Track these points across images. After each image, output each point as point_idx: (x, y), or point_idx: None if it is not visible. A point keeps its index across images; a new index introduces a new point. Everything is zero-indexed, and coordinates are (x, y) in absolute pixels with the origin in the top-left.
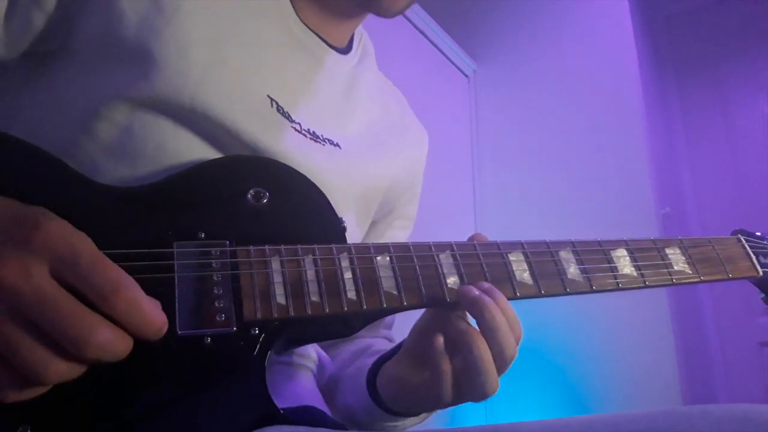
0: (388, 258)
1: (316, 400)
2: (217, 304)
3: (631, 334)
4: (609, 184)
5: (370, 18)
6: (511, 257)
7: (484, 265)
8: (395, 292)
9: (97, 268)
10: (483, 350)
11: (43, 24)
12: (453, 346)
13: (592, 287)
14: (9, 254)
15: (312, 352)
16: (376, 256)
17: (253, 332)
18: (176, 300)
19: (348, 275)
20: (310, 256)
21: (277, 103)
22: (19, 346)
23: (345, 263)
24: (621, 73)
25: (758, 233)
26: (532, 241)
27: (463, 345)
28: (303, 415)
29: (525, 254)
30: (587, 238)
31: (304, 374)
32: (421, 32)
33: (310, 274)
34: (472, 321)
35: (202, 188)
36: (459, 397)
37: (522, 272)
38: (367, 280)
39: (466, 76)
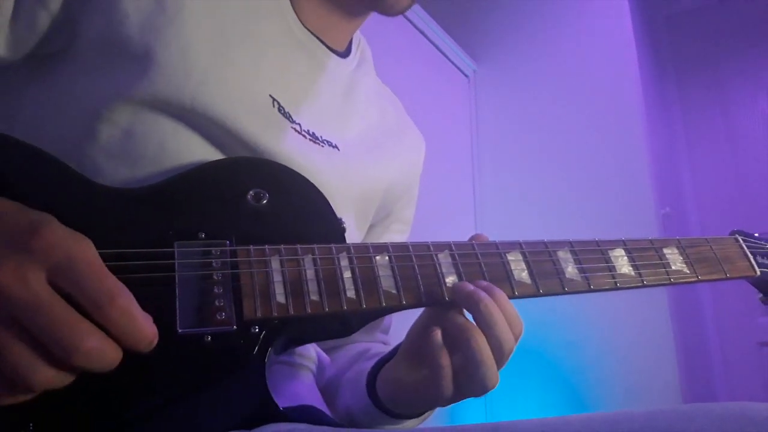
0: (387, 258)
1: (316, 400)
2: (217, 303)
3: (631, 333)
4: (609, 184)
5: (370, 18)
6: (510, 257)
7: (483, 265)
8: (394, 292)
9: (94, 277)
10: (481, 344)
11: (48, 25)
12: (452, 341)
13: (590, 287)
14: (7, 258)
15: (312, 351)
16: (375, 256)
17: (253, 331)
18: (177, 299)
19: (347, 274)
20: (310, 256)
21: (278, 103)
22: (9, 350)
23: (344, 263)
24: (621, 73)
25: (756, 234)
26: (530, 241)
27: (462, 340)
28: (303, 414)
29: (523, 254)
30: (587, 238)
31: (303, 374)
32: (421, 32)
33: (310, 273)
34: (470, 318)
35: (202, 189)
36: (459, 393)
37: (520, 272)
38: (366, 279)
39: (466, 76)
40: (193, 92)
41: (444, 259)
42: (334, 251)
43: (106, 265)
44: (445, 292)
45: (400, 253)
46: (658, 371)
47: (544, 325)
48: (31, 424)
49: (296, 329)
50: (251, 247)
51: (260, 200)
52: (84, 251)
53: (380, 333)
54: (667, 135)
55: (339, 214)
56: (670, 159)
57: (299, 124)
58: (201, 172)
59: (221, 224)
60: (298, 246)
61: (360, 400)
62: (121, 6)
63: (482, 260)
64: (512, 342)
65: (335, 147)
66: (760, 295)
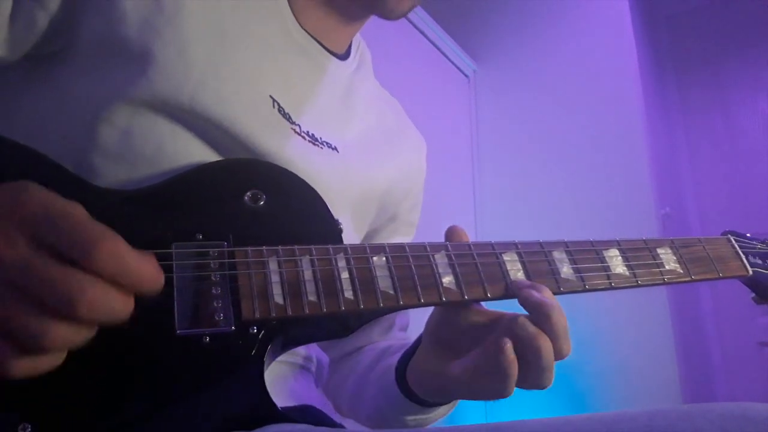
0: (384, 258)
1: (315, 400)
2: (215, 304)
3: (631, 333)
4: (609, 185)
5: (371, 18)
6: (505, 257)
7: (479, 265)
8: (391, 292)
9: (75, 227)
10: (550, 351)
11: (47, 24)
12: (518, 346)
13: (585, 286)
14: None
15: (311, 352)
16: (372, 257)
17: (251, 331)
18: (175, 300)
19: (345, 275)
20: (307, 257)
21: (279, 104)
22: (15, 314)
23: (342, 263)
24: (621, 73)
25: (748, 234)
26: (525, 241)
27: (532, 348)
28: (302, 414)
29: (519, 254)
30: (587, 238)
31: (302, 374)
32: (421, 32)
33: (308, 274)
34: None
35: (199, 191)
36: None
37: (516, 272)
38: (364, 280)
39: (466, 76)
40: (192, 92)
41: (440, 259)
42: (332, 252)
43: None
44: (443, 292)
45: (397, 253)
46: (658, 371)
47: None
48: (30, 425)
49: (294, 330)
50: (249, 248)
51: (257, 201)
52: (63, 205)
53: (399, 331)
54: (667, 135)
55: (336, 216)
56: (670, 159)
57: (299, 126)
58: (198, 173)
59: (219, 225)
60: (296, 247)
61: (389, 394)
62: (119, 6)
63: (478, 260)
64: (570, 347)
65: (334, 149)
66: (753, 294)
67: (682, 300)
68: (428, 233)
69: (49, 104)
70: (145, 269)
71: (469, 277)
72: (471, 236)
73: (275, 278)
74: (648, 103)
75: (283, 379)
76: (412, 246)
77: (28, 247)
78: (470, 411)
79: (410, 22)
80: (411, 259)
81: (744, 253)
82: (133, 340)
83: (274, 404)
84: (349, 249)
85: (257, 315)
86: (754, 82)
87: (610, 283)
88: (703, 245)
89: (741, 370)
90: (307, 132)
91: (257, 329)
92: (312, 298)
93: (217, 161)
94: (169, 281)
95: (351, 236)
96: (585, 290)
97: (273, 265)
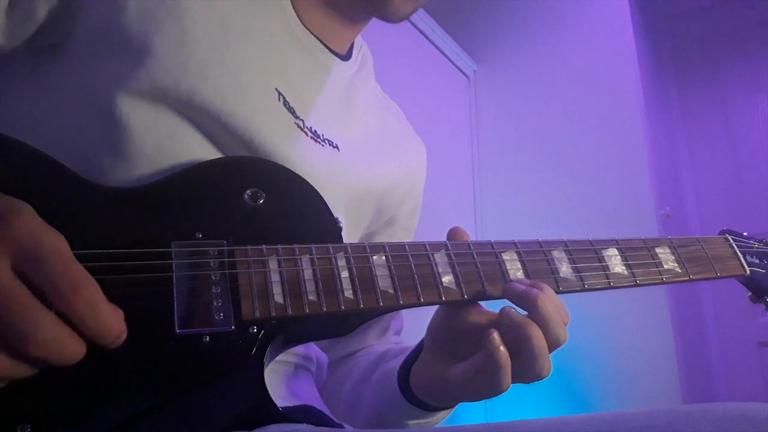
0: (384, 257)
1: (315, 400)
2: (215, 303)
3: (631, 333)
4: (609, 185)
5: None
6: (505, 256)
7: (478, 264)
8: (391, 291)
9: (59, 266)
10: (540, 338)
11: (45, 14)
12: (508, 337)
13: (584, 286)
14: None
15: (310, 352)
16: (372, 256)
17: (251, 331)
18: (175, 299)
19: (345, 274)
20: (307, 256)
21: (284, 97)
22: None
23: (342, 262)
24: (621, 73)
25: (745, 233)
26: (524, 240)
27: (521, 336)
28: (302, 414)
29: (518, 253)
30: (586, 238)
31: (302, 374)
32: (421, 32)
33: (308, 273)
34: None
35: (199, 189)
36: (513, 382)
37: (515, 271)
38: (364, 279)
39: (466, 76)
40: (191, 84)
41: (440, 258)
42: (332, 251)
43: (104, 266)
44: (442, 291)
45: (396, 252)
46: (658, 371)
47: None
48: (29, 425)
49: (294, 329)
50: (248, 247)
51: (257, 200)
52: (52, 242)
53: (393, 335)
54: (667, 135)
55: (335, 214)
56: (670, 159)
57: (302, 121)
58: (198, 171)
59: (218, 224)
60: (296, 246)
61: (391, 399)
62: None
63: (478, 260)
64: (566, 333)
65: (336, 147)
66: (750, 293)
67: (682, 300)
68: (428, 233)
69: (50, 97)
70: (114, 324)
71: (469, 277)
72: (471, 236)
73: (275, 277)
74: (648, 103)
75: (283, 379)
76: (412, 245)
77: (3, 273)
78: (470, 411)
79: (410, 22)
80: (411, 259)
81: (742, 252)
82: (133, 340)
83: (274, 404)
84: (348, 248)
85: (257, 314)
86: (754, 82)
87: (609, 283)
88: (701, 245)
89: (741, 370)
90: (310, 128)
91: (257, 328)
92: (312, 297)
93: (217, 159)
94: (168, 280)
95: (347, 236)
96: (584, 290)
97: (273, 265)
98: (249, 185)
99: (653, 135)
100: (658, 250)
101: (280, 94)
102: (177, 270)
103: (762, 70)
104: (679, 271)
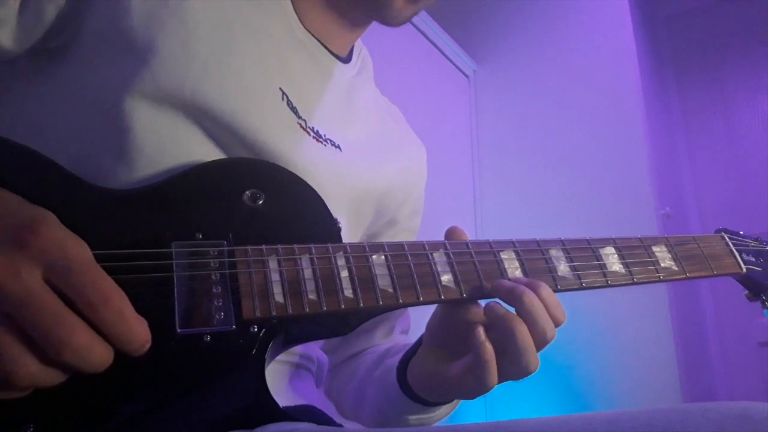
0: (383, 257)
1: (315, 400)
2: (216, 303)
3: (631, 333)
4: (609, 185)
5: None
6: (503, 255)
7: (477, 263)
8: (391, 290)
9: (89, 277)
10: (525, 333)
11: (54, 17)
12: (494, 333)
13: (582, 284)
14: (2, 254)
15: (311, 352)
16: (371, 255)
17: (252, 330)
18: (175, 299)
19: (344, 274)
20: (307, 255)
21: (287, 96)
22: None
23: (341, 262)
24: (621, 73)
25: (741, 232)
26: (523, 239)
27: (506, 331)
28: (302, 414)
29: (516, 252)
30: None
31: (303, 374)
32: (421, 32)
33: (307, 273)
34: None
35: (199, 190)
36: (501, 378)
37: (514, 270)
38: (363, 278)
39: (466, 76)
40: (194, 84)
41: (439, 258)
42: (331, 251)
43: (104, 266)
44: (441, 290)
45: (395, 252)
46: (658, 371)
47: None
48: (31, 425)
49: (295, 328)
50: (248, 247)
51: (257, 200)
52: (81, 253)
53: (400, 334)
54: (667, 135)
55: (335, 214)
56: (670, 159)
57: (305, 121)
58: (198, 172)
59: (218, 224)
60: (295, 246)
61: (391, 394)
62: None
63: (476, 259)
64: (553, 330)
65: (338, 147)
66: (746, 291)
67: (682, 300)
68: (428, 233)
69: (54, 99)
70: (141, 332)
71: (468, 276)
72: (471, 236)
73: (275, 277)
74: (648, 104)
75: (283, 378)
76: (411, 245)
77: (35, 282)
78: (470, 411)
79: (410, 22)
80: (410, 258)
81: (738, 250)
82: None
83: (275, 403)
84: (348, 248)
85: (258, 314)
86: (754, 82)
87: (607, 281)
88: (698, 243)
89: (741, 370)
90: (313, 128)
91: (258, 328)
92: (312, 296)
93: (217, 160)
94: (169, 280)
95: (347, 236)
96: (581, 288)
97: (273, 264)
98: (248, 186)
99: (653, 135)
100: (654, 248)
101: (284, 94)
102: (177, 270)
103: (762, 70)
104: (676, 269)
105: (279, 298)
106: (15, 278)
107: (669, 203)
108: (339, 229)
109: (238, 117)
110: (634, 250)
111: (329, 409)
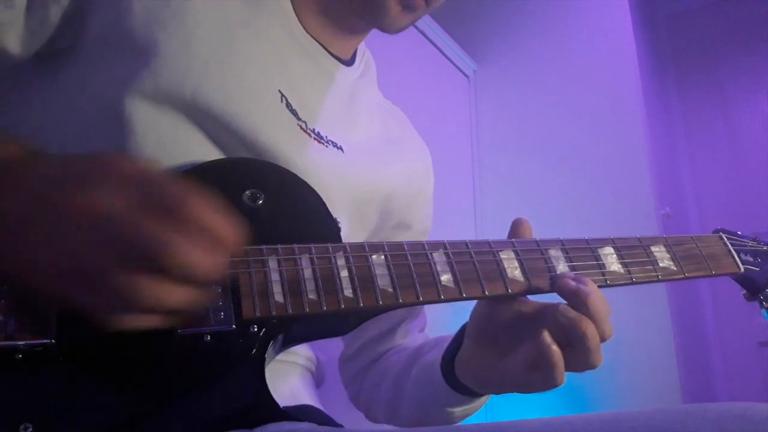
0: (383, 257)
1: (315, 400)
2: (215, 303)
3: (631, 333)
4: (609, 184)
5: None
6: (502, 255)
7: (476, 263)
8: (391, 290)
9: (171, 187)
10: (594, 334)
11: (59, 19)
12: (560, 333)
13: None
14: (93, 187)
15: (311, 352)
16: (371, 255)
17: (252, 330)
18: None
19: (344, 273)
20: (307, 255)
21: (287, 98)
22: (112, 270)
23: (341, 262)
24: (621, 73)
25: (739, 232)
26: (522, 239)
27: (576, 333)
28: (302, 414)
29: (515, 252)
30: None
31: (302, 374)
32: (421, 32)
33: (307, 272)
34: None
35: (198, 189)
36: (567, 371)
37: (513, 269)
38: (363, 278)
39: (466, 76)
40: (195, 84)
41: (438, 257)
42: (331, 250)
43: None
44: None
45: (395, 252)
46: (658, 371)
47: None
48: (31, 425)
49: (295, 328)
50: (248, 247)
51: (256, 201)
52: (150, 168)
53: (419, 333)
54: (667, 135)
55: (336, 215)
56: (670, 159)
57: (305, 123)
58: (197, 172)
59: None
60: (295, 246)
61: (436, 389)
62: None
63: (475, 258)
64: (612, 329)
65: (340, 148)
66: (744, 291)
67: (682, 300)
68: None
69: (56, 102)
70: (230, 228)
71: (467, 275)
72: (471, 236)
73: (275, 277)
74: (648, 103)
75: (283, 378)
76: (410, 244)
77: (130, 206)
78: None
79: None
80: (409, 258)
81: (736, 250)
82: (135, 340)
83: (275, 403)
84: (348, 247)
85: (258, 313)
86: (754, 82)
87: (606, 281)
88: (696, 243)
89: (741, 370)
90: (313, 129)
91: (258, 328)
92: (312, 296)
93: (216, 160)
94: None
95: (348, 237)
96: None
97: (273, 264)
98: (248, 186)
99: (653, 135)
100: (653, 248)
101: (282, 96)
102: None
103: (762, 70)
104: (675, 269)
105: (279, 297)
106: (120, 200)
107: (669, 203)
108: (339, 229)
109: (238, 117)
110: (632, 250)
111: (329, 409)
